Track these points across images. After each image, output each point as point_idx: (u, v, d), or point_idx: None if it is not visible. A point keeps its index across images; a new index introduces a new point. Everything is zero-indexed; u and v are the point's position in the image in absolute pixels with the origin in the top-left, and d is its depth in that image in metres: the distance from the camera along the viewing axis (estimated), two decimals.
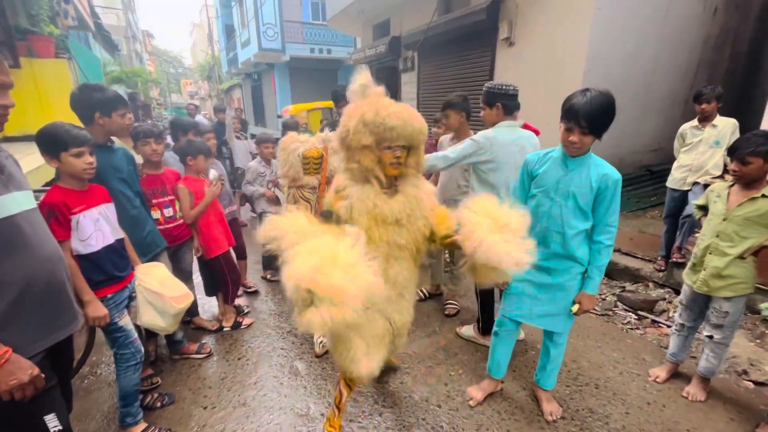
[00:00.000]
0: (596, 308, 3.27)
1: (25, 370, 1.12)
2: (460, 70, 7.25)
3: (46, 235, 1.30)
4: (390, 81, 10.53)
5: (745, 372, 2.45)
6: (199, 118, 7.55)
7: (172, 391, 2.27)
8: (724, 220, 1.97)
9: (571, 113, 1.58)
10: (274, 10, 15.81)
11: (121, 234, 1.88)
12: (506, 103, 2.36)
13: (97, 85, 1.98)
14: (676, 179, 3.41)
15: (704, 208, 2.21)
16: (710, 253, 2.01)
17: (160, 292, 1.91)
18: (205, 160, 2.67)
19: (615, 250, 3.83)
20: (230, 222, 3.11)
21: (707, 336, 2.11)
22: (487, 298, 2.64)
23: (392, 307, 1.58)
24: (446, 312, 3.14)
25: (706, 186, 3.01)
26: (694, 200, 2.39)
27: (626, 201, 5.20)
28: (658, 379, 2.35)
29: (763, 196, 1.85)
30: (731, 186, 2.02)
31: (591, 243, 1.80)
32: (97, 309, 1.64)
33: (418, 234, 1.54)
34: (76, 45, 6.12)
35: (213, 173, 2.73)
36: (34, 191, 1.64)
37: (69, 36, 6.10)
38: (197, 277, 2.96)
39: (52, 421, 1.24)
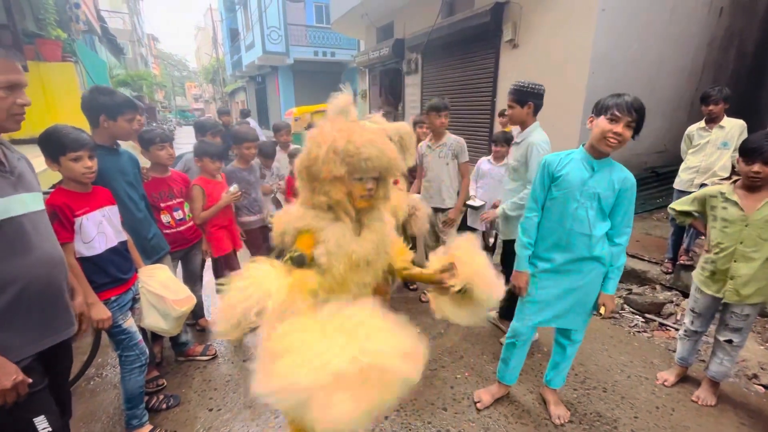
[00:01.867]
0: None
1: (9, 375, 1.11)
2: (463, 72, 7.25)
3: (48, 238, 1.29)
4: (394, 83, 10.56)
5: (755, 376, 2.42)
6: (253, 124, 7.38)
7: (177, 393, 2.27)
8: (746, 226, 1.90)
9: (621, 105, 1.58)
10: (278, 13, 15.91)
11: (125, 236, 1.88)
12: (537, 102, 2.38)
13: (105, 89, 1.99)
14: (683, 181, 3.39)
15: (689, 214, 2.19)
16: (735, 261, 1.94)
17: (162, 294, 1.91)
18: (212, 162, 2.67)
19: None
20: (261, 228, 3.15)
21: (726, 341, 2.06)
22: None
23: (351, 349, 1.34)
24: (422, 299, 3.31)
25: None
26: (672, 204, 2.33)
27: None
28: (666, 383, 2.32)
29: None
30: (734, 189, 1.97)
31: (611, 244, 1.80)
32: (101, 311, 1.64)
33: (380, 271, 1.42)
34: (82, 48, 6.17)
35: (234, 187, 2.73)
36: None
37: (76, 40, 6.16)
38: (209, 277, 2.96)
39: (41, 423, 1.23)
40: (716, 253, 2.01)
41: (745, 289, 1.94)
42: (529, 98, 2.35)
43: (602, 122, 1.64)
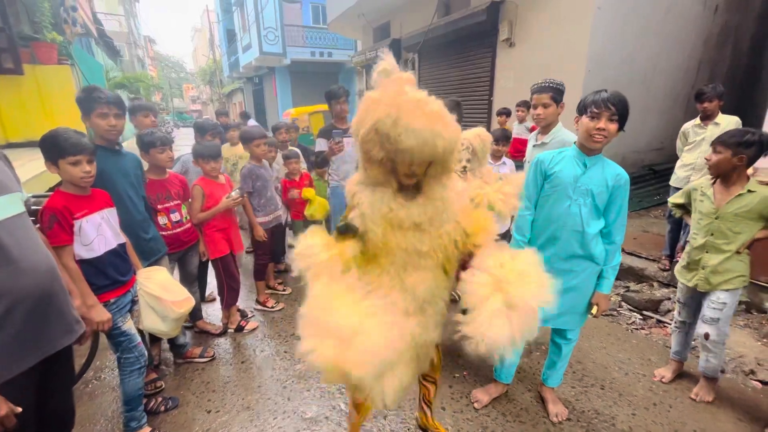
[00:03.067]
0: None
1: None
2: (460, 71, 7.26)
3: (32, 244, 1.23)
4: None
5: (752, 372, 2.43)
6: (253, 124, 7.41)
7: (176, 395, 2.27)
8: (716, 218, 2.00)
9: (597, 101, 1.61)
10: (275, 14, 15.90)
11: (123, 238, 1.89)
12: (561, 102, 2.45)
13: (85, 87, 1.96)
14: (679, 178, 3.40)
15: (682, 206, 2.28)
16: (707, 252, 2.04)
17: (160, 296, 1.91)
18: (206, 163, 2.67)
19: None
20: (273, 229, 3.19)
21: (703, 335, 2.08)
22: None
23: (410, 322, 1.31)
24: None
25: None
26: (669, 198, 2.44)
27: (629, 200, 5.17)
28: (663, 380, 2.34)
29: (749, 191, 1.92)
30: (713, 184, 2.06)
31: (605, 243, 1.80)
32: (101, 313, 1.64)
33: (445, 239, 1.30)
34: (78, 51, 6.16)
35: (236, 192, 2.73)
36: (36, 196, 1.65)
37: (72, 42, 6.14)
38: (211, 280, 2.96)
39: None
40: (693, 245, 2.11)
41: (715, 278, 2.02)
42: (562, 98, 2.44)
43: (585, 120, 1.66)
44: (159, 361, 2.55)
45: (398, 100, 1.10)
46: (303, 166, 3.95)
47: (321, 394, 2.28)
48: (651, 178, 5.71)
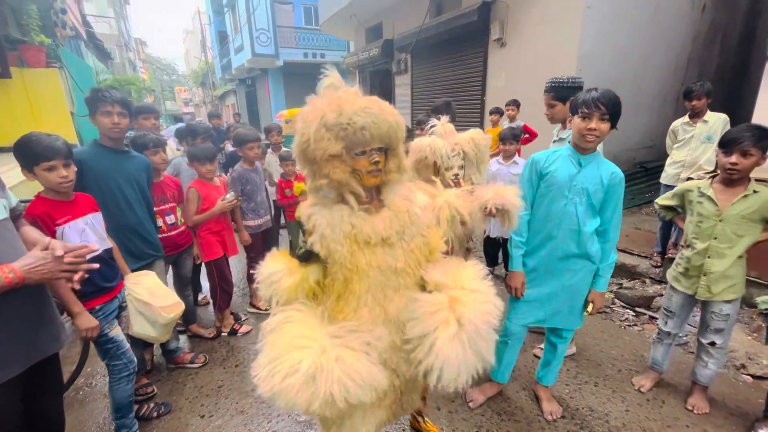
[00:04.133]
0: None
1: None
2: (453, 71, 7.28)
3: (15, 251, 1.20)
4: (384, 84, 10.55)
5: (743, 366, 2.45)
6: None
7: (168, 401, 2.24)
8: (720, 221, 1.86)
9: (587, 101, 1.60)
10: (266, 15, 15.85)
11: (109, 243, 1.85)
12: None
13: (93, 87, 2.01)
14: (669, 175, 3.43)
15: (672, 209, 2.14)
16: (709, 257, 1.91)
17: (149, 301, 1.88)
18: (201, 165, 2.66)
19: None
20: (264, 232, 3.17)
21: (709, 343, 2.00)
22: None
23: (398, 355, 1.22)
24: None
25: None
26: (657, 199, 2.27)
27: None
28: (642, 389, 2.26)
29: (755, 192, 1.81)
30: (711, 184, 1.94)
31: (601, 241, 1.81)
32: (87, 321, 1.61)
33: (417, 254, 1.24)
34: (67, 54, 6.09)
35: (231, 194, 2.72)
36: (26, 201, 1.63)
37: (61, 45, 6.07)
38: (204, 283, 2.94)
39: None
40: (691, 249, 1.98)
41: (717, 286, 1.90)
42: (570, 93, 2.20)
43: (576, 121, 1.66)
44: (151, 366, 2.52)
45: (334, 96, 1.10)
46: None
47: None
48: (642, 175, 5.76)
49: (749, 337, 2.72)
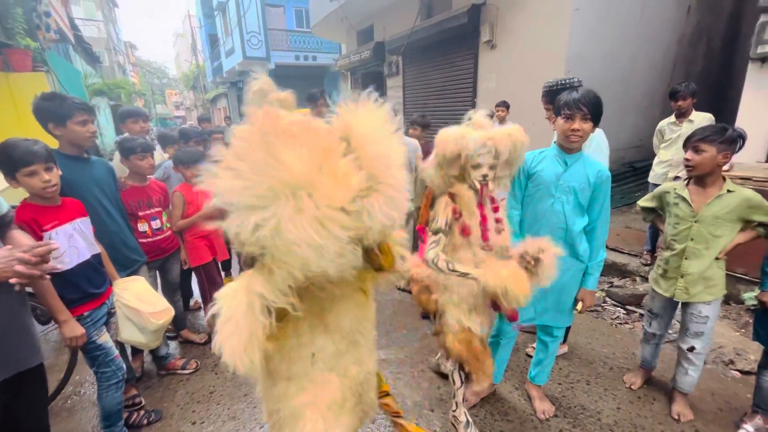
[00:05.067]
0: None
1: None
2: (444, 73, 7.32)
3: None
4: (376, 86, 10.55)
5: (731, 362, 2.48)
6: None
7: (159, 408, 2.21)
8: (695, 222, 1.87)
9: (569, 102, 1.64)
10: (257, 18, 15.81)
11: (98, 249, 1.83)
12: None
13: (50, 94, 1.87)
14: (657, 174, 3.48)
15: (653, 210, 2.14)
16: (687, 258, 1.91)
17: (137, 307, 1.86)
18: (186, 169, 2.64)
19: None
20: None
21: (688, 349, 1.98)
22: None
23: (345, 359, 1.24)
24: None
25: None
26: (638, 201, 2.26)
27: (611, 197, 5.28)
28: (633, 386, 2.27)
29: (728, 191, 1.81)
30: (687, 185, 1.94)
31: (590, 239, 1.82)
32: (74, 329, 1.58)
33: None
34: (54, 58, 6.02)
35: None
36: (14, 207, 1.60)
37: (49, 49, 6.00)
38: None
39: None
40: (670, 251, 1.98)
41: (694, 288, 1.90)
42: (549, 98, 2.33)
43: (560, 122, 1.69)
44: (141, 373, 2.49)
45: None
46: None
47: None
48: (631, 175, 5.84)
49: (737, 333, 2.76)
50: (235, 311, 0.95)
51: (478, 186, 1.62)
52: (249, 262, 1.04)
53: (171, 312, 1.99)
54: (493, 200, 1.70)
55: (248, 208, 0.91)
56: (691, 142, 1.83)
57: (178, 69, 43.09)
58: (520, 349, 2.66)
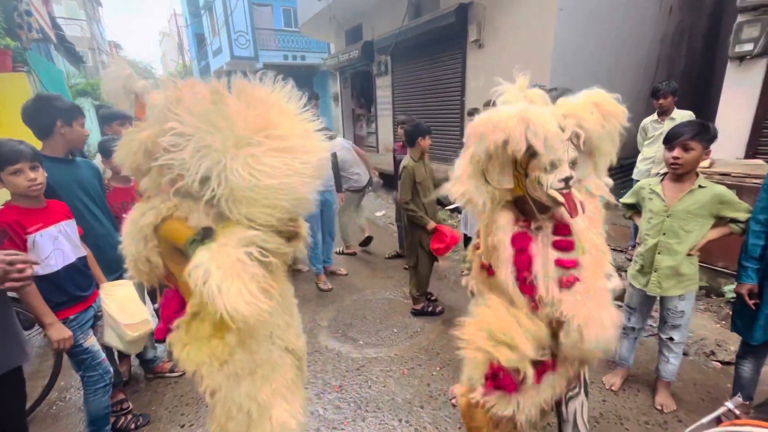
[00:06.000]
0: None
1: None
2: (433, 72, 7.35)
3: None
4: (365, 86, 10.58)
5: (712, 353, 2.55)
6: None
7: (147, 412, 2.19)
8: (668, 216, 1.90)
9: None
10: (245, 17, 15.65)
11: (84, 251, 1.80)
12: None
13: (54, 95, 1.91)
14: (641, 171, 3.55)
15: (633, 207, 2.16)
16: (659, 253, 1.94)
17: (115, 317, 1.79)
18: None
19: None
20: None
21: (668, 339, 2.04)
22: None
23: (291, 332, 1.31)
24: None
25: None
26: (620, 198, 2.26)
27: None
28: (613, 387, 2.28)
29: (700, 187, 1.84)
30: (661, 181, 1.97)
31: None
32: (60, 331, 1.56)
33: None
34: (35, 57, 5.89)
35: None
36: None
37: (28, 49, 5.86)
38: None
39: None
40: (644, 245, 2.00)
41: (667, 282, 1.94)
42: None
43: None
44: (129, 377, 2.46)
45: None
46: None
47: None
48: (617, 172, 5.92)
49: (718, 325, 2.83)
50: (229, 265, 0.96)
51: (560, 198, 1.06)
52: (203, 235, 1.04)
53: (148, 324, 1.87)
54: (561, 229, 1.14)
55: (214, 151, 0.98)
56: (679, 141, 1.80)
57: (165, 69, 42.46)
58: None
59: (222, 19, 15.95)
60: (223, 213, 1.03)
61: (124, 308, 1.83)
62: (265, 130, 1.02)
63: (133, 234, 1.14)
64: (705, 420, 0.96)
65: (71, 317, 1.68)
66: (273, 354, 1.21)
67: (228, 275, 0.94)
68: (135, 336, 1.80)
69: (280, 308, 1.25)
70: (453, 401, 2.19)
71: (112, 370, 1.86)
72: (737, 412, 0.95)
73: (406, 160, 3.46)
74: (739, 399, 0.95)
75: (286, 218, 1.10)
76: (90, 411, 1.79)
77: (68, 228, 1.72)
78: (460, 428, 2.02)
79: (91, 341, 1.76)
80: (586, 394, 1.27)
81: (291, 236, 1.19)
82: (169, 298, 1.23)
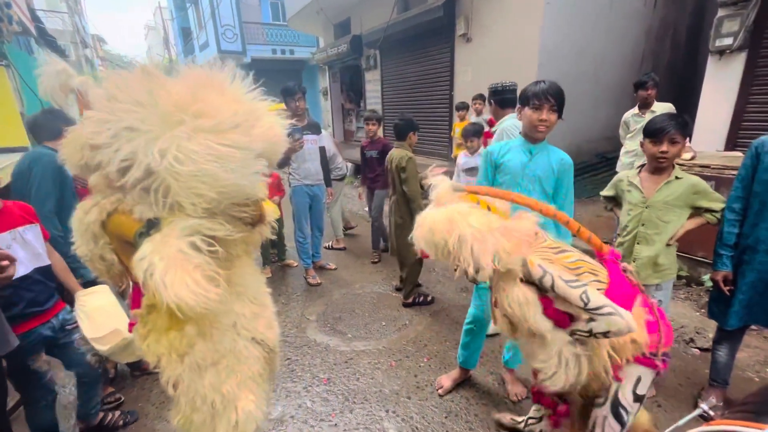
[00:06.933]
0: None
1: None
2: (421, 66, 7.34)
3: None
4: (354, 80, 10.52)
5: (692, 340, 2.62)
6: None
7: (134, 408, 2.18)
8: (646, 207, 1.94)
9: (538, 94, 1.69)
10: (232, 11, 15.40)
11: (46, 260, 1.68)
12: (495, 99, 2.76)
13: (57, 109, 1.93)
14: (624, 164, 3.61)
15: (612, 199, 2.20)
16: (638, 243, 1.98)
17: (84, 330, 1.65)
18: None
19: (573, 235, 3.99)
20: None
21: None
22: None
23: (260, 323, 1.29)
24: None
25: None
26: (601, 192, 2.33)
27: (584, 187, 5.43)
28: None
29: (676, 178, 1.89)
30: (639, 173, 2.01)
31: (556, 224, 1.87)
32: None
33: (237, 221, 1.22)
34: (14, 51, 5.74)
35: None
36: None
37: (8, 42, 5.70)
38: None
39: None
40: (623, 236, 2.04)
41: (644, 271, 1.97)
42: (496, 96, 2.71)
43: (528, 112, 1.74)
44: (115, 374, 2.45)
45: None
46: None
47: (287, 394, 2.27)
48: (603, 165, 6.02)
49: (698, 313, 2.91)
50: (171, 256, 0.94)
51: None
52: (149, 226, 1.02)
53: (119, 335, 1.64)
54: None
55: (142, 133, 0.93)
56: (667, 135, 1.81)
57: (150, 63, 41.56)
58: (494, 337, 2.73)
59: (208, 12, 15.68)
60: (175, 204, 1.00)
61: (93, 320, 1.66)
62: (193, 106, 0.95)
63: (80, 233, 1.11)
64: (681, 422, 1.01)
65: (18, 336, 1.48)
66: (238, 344, 1.20)
67: (171, 266, 0.92)
68: (107, 349, 1.60)
69: (246, 297, 1.24)
70: (439, 391, 2.22)
71: (55, 389, 1.75)
72: (711, 413, 1.00)
73: (403, 152, 3.41)
74: (713, 400, 1.00)
75: (230, 204, 1.05)
76: (36, 426, 1.73)
77: (27, 234, 1.57)
78: (446, 417, 2.06)
79: (39, 363, 1.64)
80: (616, 414, 1.28)
81: (254, 222, 1.17)
82: (135, 292, 1.20)
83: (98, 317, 1.67)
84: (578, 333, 1.15)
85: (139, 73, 0.98)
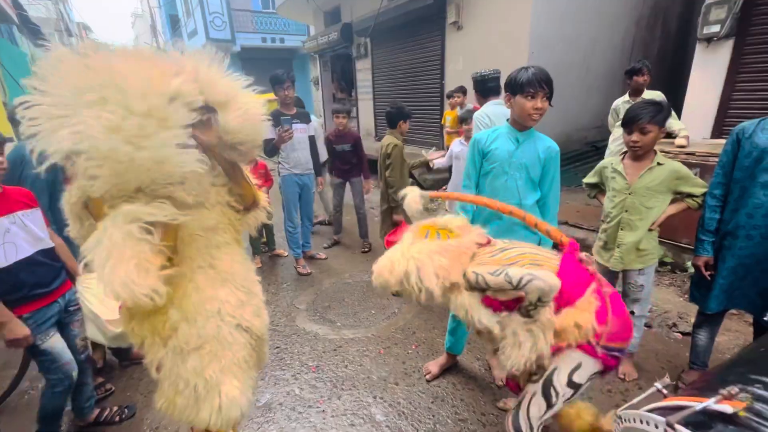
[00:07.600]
0: None
1: None
2: (412, 55, 7.28)
3: None
4: (345, 69, 10.39)
5: (674, 325, 2.67)
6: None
7: (132, 404, 2.14)
8: (629, 194, 1.97)
9: (532, 82, 1.66)
10: None
11: (48, 243, 1.69)
12: (478, 88, 2.77)
13: None
14: (612, 152, 3.62)
15: (596, 186, 2.22)
16: (622, 229, 2.01)
17: (96, 312, 1.71)
18: None
19: (563, 223, 4.03)
20: None
21: (629, 312, 2.15)
22: None
23: (247, 310, 1.30)
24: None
25: None
26: (584, 179, 2.36)
27: (573, 176, 5.46)
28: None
29: (658, 164, 1.92)
30: (622, 160, 2.03)
31: (543, 212, 1.89)
32: (15, 330, 1.47)
33: (225, 211, 1.28)
34: None
35: None
36: None
37: None
38: None
39: None
40: (607, 222, 2.07)
41: (628, 257, 2.01)
42: (480, 86, 2.73)
43: (521, 101, 1.71)
44: (103, 364, 2.44)
45: None
46: None
47: (275, 381, 2.28)
48: (593, 154, 6.04)
49: (681, 299, 2.96)
50: (113, 244, 0.93)
51: None
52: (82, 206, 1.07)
53: None
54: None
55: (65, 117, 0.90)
56: (637, 125, 1.86)
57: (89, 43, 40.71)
58: None
59: (196, 0, 15.34)
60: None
61: (104, 302, 1.70)
62: (108, 81, 0.91)
63: (69, 216, 1.14)
64: (636, 400, 1.04)
65: (26, 315, 1.57)
66: (222, 330, 1.21)
67: (108, 257, 0.92)
68: (117, 333, 1.70)
69: (233, 284, 1.25)
70: (427, 376, 2.25)
71: (74, 374, 1.74)
72: (665, 392, 1.04)
73: (391, 140, 3.38)
74: (666, 379, 1.05)
75: (166, 183, 1.02)
76: (43, 406, 1.73)
77: (26, 218, 1.60)
78: (432, 402, 2.09)
79: (51, 342, 1.64)
80: (545, 393, 1.30)
81: (248, 207, 1.19)
82: None
83: (109, 300, 1.69)
84: (524, 309, 1.23)
85: (68, 54, 0.96)
